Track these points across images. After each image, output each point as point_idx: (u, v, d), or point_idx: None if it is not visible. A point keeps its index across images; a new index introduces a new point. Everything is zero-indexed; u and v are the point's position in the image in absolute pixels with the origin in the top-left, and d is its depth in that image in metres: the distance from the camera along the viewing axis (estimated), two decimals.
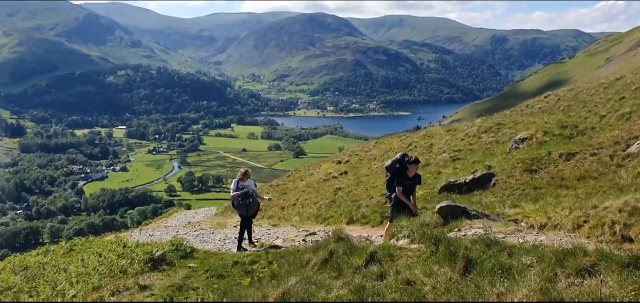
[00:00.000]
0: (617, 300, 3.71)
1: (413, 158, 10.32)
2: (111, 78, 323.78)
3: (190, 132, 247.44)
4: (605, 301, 3.74)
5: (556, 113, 27.85)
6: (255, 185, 13.86)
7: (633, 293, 3.70)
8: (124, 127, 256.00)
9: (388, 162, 10.80)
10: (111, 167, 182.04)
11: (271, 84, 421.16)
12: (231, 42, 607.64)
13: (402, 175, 10.23)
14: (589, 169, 13.59)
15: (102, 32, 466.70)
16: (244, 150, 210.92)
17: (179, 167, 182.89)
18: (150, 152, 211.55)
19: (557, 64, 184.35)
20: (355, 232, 13.17)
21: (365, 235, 12.66)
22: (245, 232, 13.64)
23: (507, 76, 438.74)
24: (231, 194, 13.04)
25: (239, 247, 13.19)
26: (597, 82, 37.30)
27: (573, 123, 20.05)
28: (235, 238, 15.79)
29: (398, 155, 10.63)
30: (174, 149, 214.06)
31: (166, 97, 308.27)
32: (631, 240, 7.88)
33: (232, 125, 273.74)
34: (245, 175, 13.26)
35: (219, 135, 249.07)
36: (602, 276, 4.12)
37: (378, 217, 15.27)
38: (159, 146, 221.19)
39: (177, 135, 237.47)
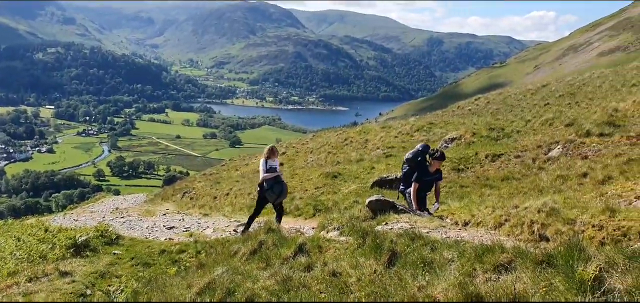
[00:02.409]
0: (530, 296, 3.87)
1: (438, 152, 9.24)
2: (40, 55, 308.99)
3: (123, 116, 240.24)
4: (518, 300, 3.89)
5: (485, 115, 28.94)
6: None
7: (544, 289, 3.86)
8: (53, 107, 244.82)
9: (409, 154, 9.50)
10: (37, 148, 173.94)
11: (209, 70, 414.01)
12: (169, 25, 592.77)
13: (422, 170, 9.11)
14: (513, 171, 14.23)
15: (31, 5, 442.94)
16: (178, 137, 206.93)
17: (109, 151, 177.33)
18: (79, 134, 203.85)
19: (490, 69, 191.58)
20: (288, 224, 13.16)
21: (298, 227, 12.68)
22: (268, 218, 11.68)
23: (441, 78, 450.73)
24: (260, 176, 11.31)
25: (245, 230, 11.56)
26: (525, 87, 39.07)
27: (500, 126, 20.88)
28: (164, 226, 15.42)
29: (419, 146, 9.39)
30: (104, 132, 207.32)
31: (99, 78, 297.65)
32: (547, 239, 8.29)
33: (167, 110, 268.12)
34: (273, 152, 11.46)
35: (153, 120, 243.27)
36: (517, 272, 4.29)
37: (311, 210, 15.36)
38: (89, 128, 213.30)
39: (108, 118, 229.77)
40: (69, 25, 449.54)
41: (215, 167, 39.48)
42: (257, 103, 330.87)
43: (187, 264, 9.56)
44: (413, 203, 8.98)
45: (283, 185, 11.29)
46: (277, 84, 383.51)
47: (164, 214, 19.23)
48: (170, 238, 12.89)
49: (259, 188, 11.47)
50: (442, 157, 9.24)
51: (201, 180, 31.24)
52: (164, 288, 6.76)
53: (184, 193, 27.34)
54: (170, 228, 14.87)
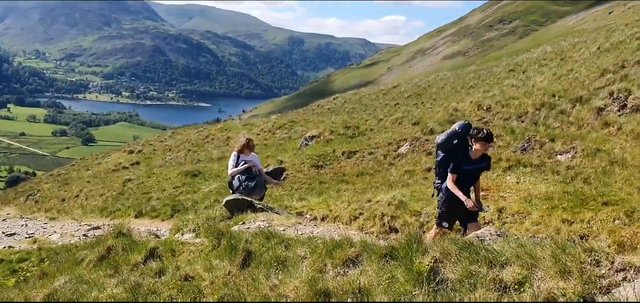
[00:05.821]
0: (374, 288, 4.08)
1: (484, 131, 6.58)
2: None
3: None
4: (363, 294, 4.08)
5: (342, 114, 30.25)
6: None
7: (387, 281, 4.09)
8: None
9: (441, 136, 7.07)
10: None
11: (58, 63, 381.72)
12: (11, 12, 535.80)
13: (462, 156, 6.66)
14: (366, 167, 15.03)
15: None
16: (23, 134, 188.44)
17: None
18: None
19: (348, 69, 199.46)
20: (143, 226, 12.71)
21: (154, 229, 12.26)
22: None
23: (303, 77, 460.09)
24: (229, 171, 9.55)
25: None
26: (378, 88, 41.44)
27: (355, 124, 21.94)
28: (3, 232, 14.05)
29: (456, 126, 6.92)
30: None
31: None
32: (397, 231, 8.88)
33: (9, 105, 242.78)
34: (247, 146, 9.61)
35: None
36: (363, 266, 4.51)
37: (169, 211, 15.00)
38: None
39: None
40: None
41: (65, 166, 36.87)
42: (112, 98, 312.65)
43: (28, 274, 8.83)
44: (460, 197, 6.52)
45: (255, 181, 9.43)
46: (134, 78, 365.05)
47: (4, 219, 17.65)
48: (10, 246, 11.80)
49: (229, 188, 9.85)
50: (489, 138, 6.62)
51: (48, 180, 28.93)
52: None
53: (29, 195, 25.25)
54: (11, 235, 13.66)
